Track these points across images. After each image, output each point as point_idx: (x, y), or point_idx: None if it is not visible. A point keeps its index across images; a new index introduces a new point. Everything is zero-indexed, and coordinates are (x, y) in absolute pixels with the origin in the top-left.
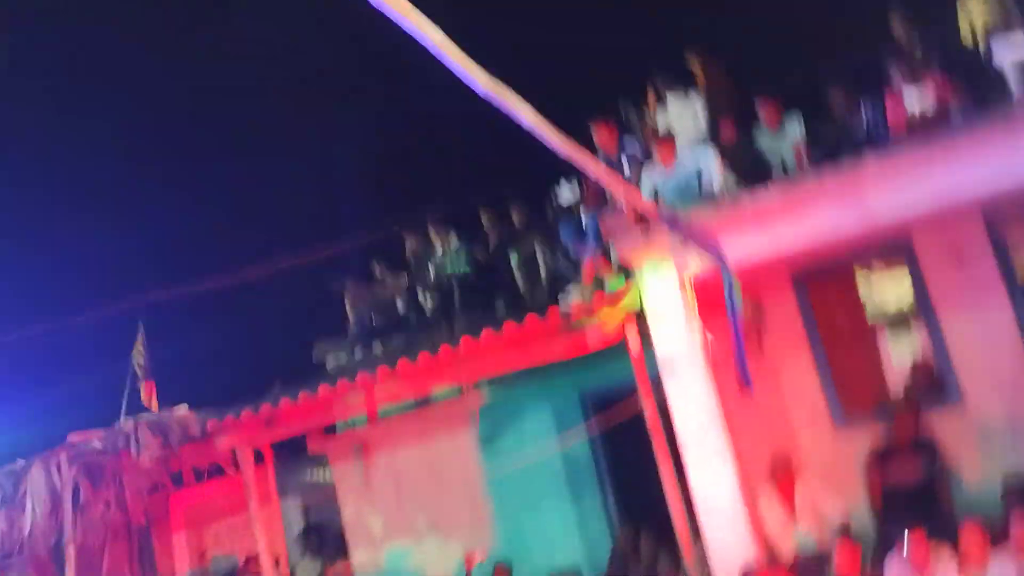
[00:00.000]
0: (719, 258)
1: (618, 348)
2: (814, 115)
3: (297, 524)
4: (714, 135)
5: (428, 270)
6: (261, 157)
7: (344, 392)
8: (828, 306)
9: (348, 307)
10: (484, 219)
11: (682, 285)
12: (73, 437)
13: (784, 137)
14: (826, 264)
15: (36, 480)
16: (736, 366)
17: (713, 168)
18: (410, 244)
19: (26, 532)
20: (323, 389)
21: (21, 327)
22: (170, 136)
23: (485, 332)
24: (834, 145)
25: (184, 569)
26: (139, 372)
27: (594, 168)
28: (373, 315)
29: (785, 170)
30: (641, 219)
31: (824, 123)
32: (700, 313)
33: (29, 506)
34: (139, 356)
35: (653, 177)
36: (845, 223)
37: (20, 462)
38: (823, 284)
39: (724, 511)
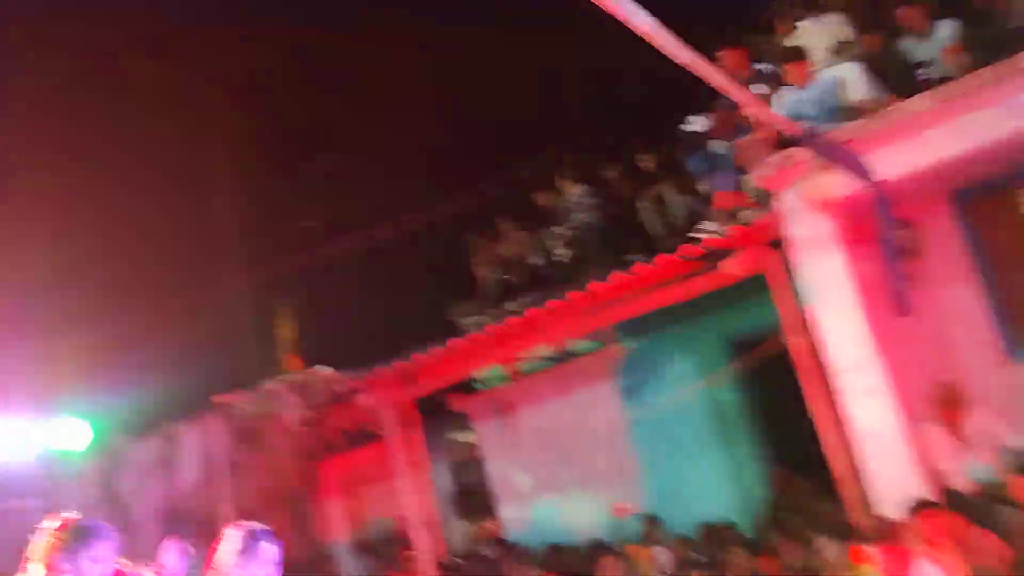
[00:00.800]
0: (866, 177)
1: (760, 283)
2: (967, 15)
3: (447, 485)
4: (855, 47)
5: (559, 221)
6: (388, 114)
7: (477, 344)
8: (992, 224)
9: (479, 265)
10: (613, 164)
11: (827, 209)
12: (220, 399)
13: (934, 41)
14: (988, 178)
15: (190, 443)
16: (891, 294)
17: (855, 80)
18: (540, 196)
19: (185, 495)
20: (456, 342)
21: (170, 294)
22: (298, 96)
23: (615, 275)
24: (991, 44)
25: (343, 535)
26: (285, 343)
27: (726, 84)
28: (506, 272)
29: (937, 75)
30: (778, 141)
31: (978, 22)
32: (848, 239)
33: (185, 469)
34: (286, 328)
35: (789, 97)
36: (1007, 129)
37: (174, 425)
38: (985, 200)
39: (885, 447)
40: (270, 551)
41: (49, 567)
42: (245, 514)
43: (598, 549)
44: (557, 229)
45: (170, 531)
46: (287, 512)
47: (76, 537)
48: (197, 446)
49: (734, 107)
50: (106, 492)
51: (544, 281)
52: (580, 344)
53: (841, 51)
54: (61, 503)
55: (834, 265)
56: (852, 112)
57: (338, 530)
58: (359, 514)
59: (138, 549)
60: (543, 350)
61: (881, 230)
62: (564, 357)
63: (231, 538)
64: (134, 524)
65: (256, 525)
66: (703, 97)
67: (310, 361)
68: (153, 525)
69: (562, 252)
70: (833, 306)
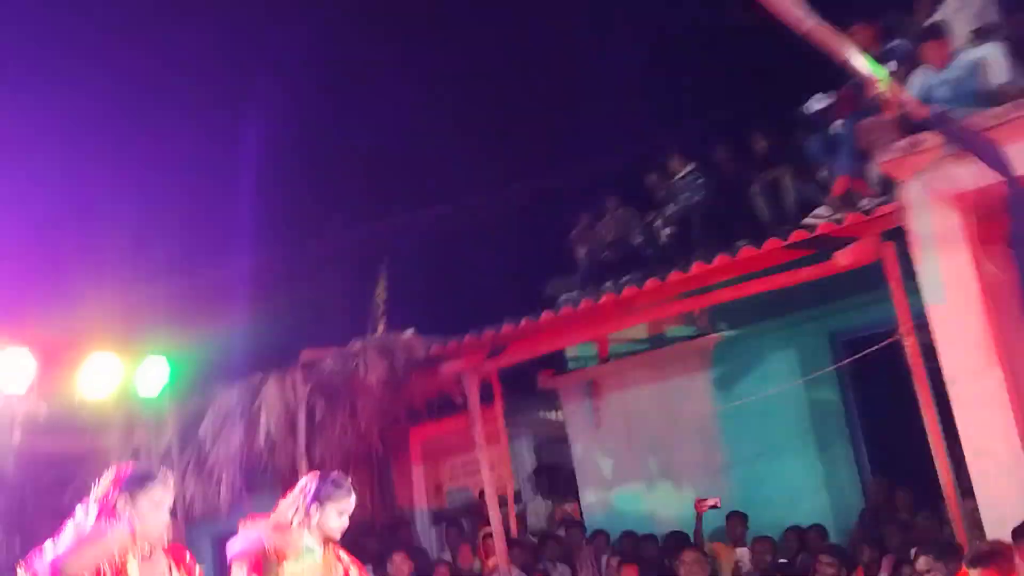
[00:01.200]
0: (1002, 168)
1: (874, 276)
2: None
3: (529, 462)
4: (1000, 28)
5: (666, 201)
6: (497, 81)
7: (570, 319)
8: None
9: (581, 242)
10: (726, 144)
11: (955, 202)
12: (305, 355)
13: None
14: None
15: (271, 395)
16: (1019, 300)
17: (997, 63)
18: (648, 175)
19: (265, 447)
20: (547, 316)
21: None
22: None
23: (719, 257)
24: None
25: (423, 500)
26: (377, 304)
27: (852, 58)
28: (606, 250)
29: None
30: (906, 123)
31: None
32: (976, 236)
33: (263, 420)
34: (381, 296)
35: (923, 79)
36: None
37: (258, 376)
38: None
39: (999, 464)
40: (345, 499)
41: (108, 510)
42: (325, 471)
43: (678, 542)
44: (664, 209)
45: (248, 480)
46: (367, 474)
47: (135, 482)
48: (279, 399)
49: (860, 86)
50: (185, 436)
51: (646, 262)
52: (675, 330)
53: (985, 31)
54: (139, 444)
55: (958, 263)
56: (992, 98)
57: (417, 497)
58: (439, 483)
59: (214, 495)
60: (638, 332)
61: (1014, 229)
62: (658, 342)
63: (308, 482)
64: (212, 470)
65: (335, 473)
66: (827, 74)
67: (399, 324)
68: (230, 472)
69: (666, 233)
70: (953, 307)
